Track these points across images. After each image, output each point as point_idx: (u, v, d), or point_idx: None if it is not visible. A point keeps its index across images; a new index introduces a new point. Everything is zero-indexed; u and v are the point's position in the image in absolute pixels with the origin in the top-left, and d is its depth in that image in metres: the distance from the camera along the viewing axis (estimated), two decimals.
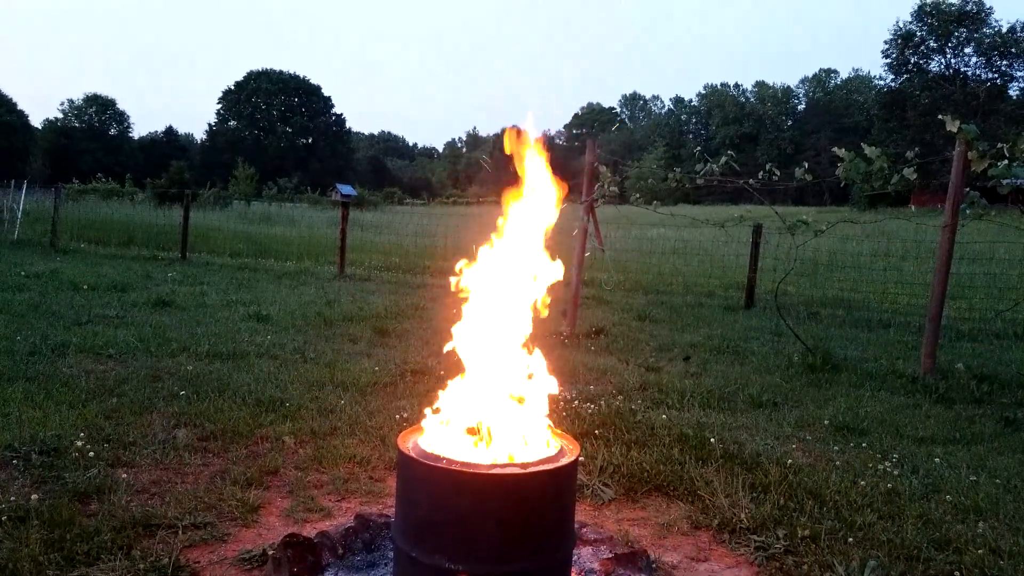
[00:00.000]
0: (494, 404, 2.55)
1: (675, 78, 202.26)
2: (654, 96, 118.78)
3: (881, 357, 6.99)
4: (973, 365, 6.54)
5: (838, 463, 3.88)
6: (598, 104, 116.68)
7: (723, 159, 6.61)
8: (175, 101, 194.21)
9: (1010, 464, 4.00)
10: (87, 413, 3.97)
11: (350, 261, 12.55)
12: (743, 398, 5.18)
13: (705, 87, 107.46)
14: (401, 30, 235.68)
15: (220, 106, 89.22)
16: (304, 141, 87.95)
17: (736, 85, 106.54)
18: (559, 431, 2.59)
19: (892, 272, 12.97)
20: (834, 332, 8.60)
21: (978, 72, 59.21)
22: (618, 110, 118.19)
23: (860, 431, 4.53)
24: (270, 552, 2.57)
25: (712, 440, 4.00)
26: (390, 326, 7.18)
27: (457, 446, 2.48)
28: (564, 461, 2.34)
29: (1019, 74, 59.26)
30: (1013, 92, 59.39)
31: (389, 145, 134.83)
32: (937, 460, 3.97)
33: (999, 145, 5.74)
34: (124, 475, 3.21)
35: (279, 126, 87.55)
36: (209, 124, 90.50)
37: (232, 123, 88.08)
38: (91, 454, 3.37)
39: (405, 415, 4.25)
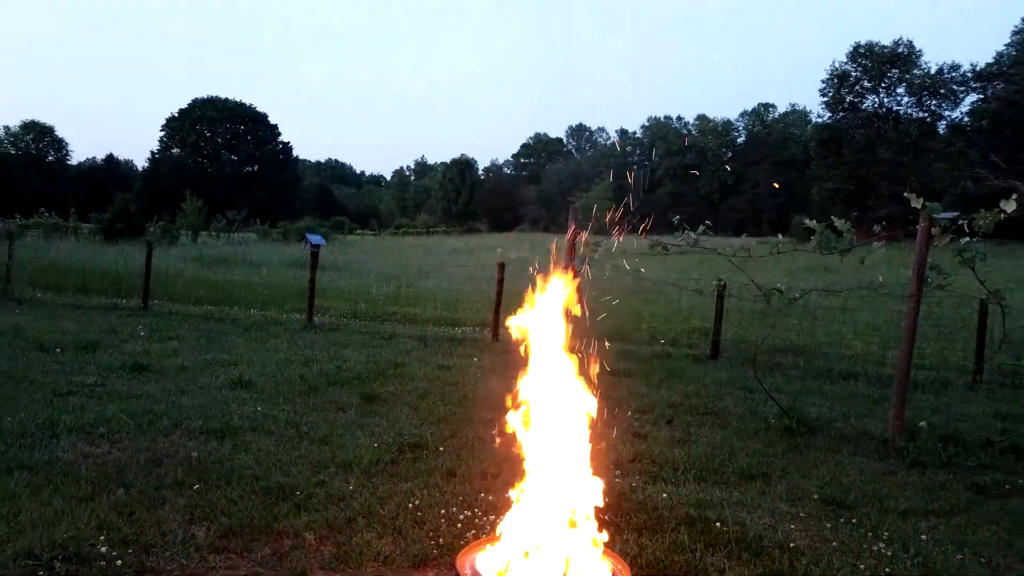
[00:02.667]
0: (546, 523, 2.66)
1: (620, 110, 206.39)
2: (599, 128, 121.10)
3: (850, 415, 7.31)
4: (935, 422, 6.91)
5: (835, 543, 4.08)
6: (545, 134, 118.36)
7: (701, 228, 6.88)
8: (114, 127, 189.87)
9: (989, 539, 4.26)
10: (98, 508, 3.93)
11: (316, 307, 12.49)
12: (733, 469, 5.38)
13: (648, 119, 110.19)
14: (348, 58, 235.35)
15: (163, 133, 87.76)
16: (250, 169, 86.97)
17: (679, 118, 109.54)
18: (608, 551, 2.72)
19: (847, 318, 13.49)
20: (800, 385, 8.92)
21: (909, 111, 62.08)
22: (564, 140, 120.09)
23: (847, 505, 4.76)
24: None
25: (717, 524, 4.17)
26: (375, 390, 7.21)
27: (512, 570, 2.59)
28: None
29: (947, 113, 62.33)
30: (942, 130, 62.36)
31: (336, 173, 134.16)
32: (924, 537, 4.21)
33: (960, 222, 6.13)
34: None
35: (224, 154, 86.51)
36: (152, 152, 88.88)
37: (176, 151, 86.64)
38: (118, 562, 3.36)
39: (416, 502, 4.31)
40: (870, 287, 6.64)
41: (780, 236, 6.94)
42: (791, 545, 3.97)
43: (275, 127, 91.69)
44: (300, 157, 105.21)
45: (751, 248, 7.06)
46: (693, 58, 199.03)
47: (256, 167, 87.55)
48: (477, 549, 2.72)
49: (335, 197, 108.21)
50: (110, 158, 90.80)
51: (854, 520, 4.47)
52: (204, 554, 3.57)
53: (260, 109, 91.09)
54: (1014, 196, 6.09)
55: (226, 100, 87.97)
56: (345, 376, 7.81)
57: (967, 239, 6.01)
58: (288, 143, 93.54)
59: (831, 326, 13.47)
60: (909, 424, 6.66)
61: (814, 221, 6.79)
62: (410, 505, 4.28)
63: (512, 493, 2.84)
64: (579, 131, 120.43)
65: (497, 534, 2.77)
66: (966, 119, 60.68)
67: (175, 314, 12.15)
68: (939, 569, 3.78)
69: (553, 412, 2.86)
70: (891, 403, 6.71)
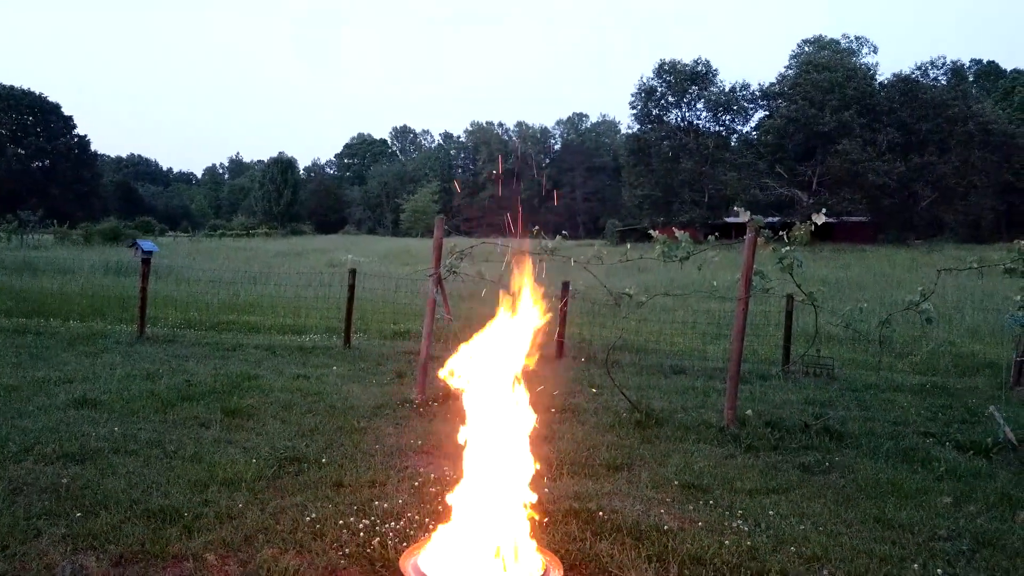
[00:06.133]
0: (481, 520, 2.85)
1: (444, 113, 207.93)
2: (424, 130, 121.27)
3: (688, 407, 8.05)
4: (760, 410, 7.80)
5: (700, 524, 4.58)
6: (369, 135, 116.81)
7: (558, 237, 7.31)
8: None
9: (821, 510, 4.95)
10: None
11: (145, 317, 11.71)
12: (599, 462, 5.81)
13: (472, 124, 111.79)
14: (150, 45, 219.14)
15: None
16: (40, 164, 78.65)
17: (500, 123, 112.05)
18: (540, 547, 2.96)
19: (667, 317, 14.67)
20: (639, 381, 9.63)
21: (707, 125, 67.70)
22: (389, 142, 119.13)
23: (703, 488, 5.31)
24: None
25: (599, 514, 4.55)
26: (235, 404, 6.98)
27: (452, 568, 2.75)
28: None
29: (739, 128, 68.70)
30: (734, 142, 68.59)
31: (140, 169, 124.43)
32: (771, 512, 4.82)
33: (780, 233, 6.99)
34: None
35: (9, 147, 77.59)
36: None
37: None
38: None
39: (312, 515, 4.32)
40: (706, 291, 7.33)
41: (627, 253, 7.49)
42: (665, 528, 4.41)
43: (69, 119, 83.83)
44: (99, 152, 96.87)
45: (602, 257, 7.59)
46: (513, 64, 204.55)
47: (47, 162, 79.40)
48: (418, 550, 2.86)
49: (140, 196, 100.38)
50: None
51: (711, 502, 5.02)
52: None
53: (51, 99, 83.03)
54: (823, 212, 7.04)
55: (11, 88, 79.15)
56: (198, 391, 7.48)
57: (787, 248, 6.87)
58: (85, 136, 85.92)
59: (654, 325, 14.58)
60: (738, 413, 7.47)
61: (657, 232, 7.45)
62: (306, 519, 4.28)
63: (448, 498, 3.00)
64: (403, 133, 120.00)
65: (430, 537, 2.92)
66: (754, 133, 67.16)
67: None
68: (788, 538, 4.37)
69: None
70: (725, 395, 7.49)
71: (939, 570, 3.98)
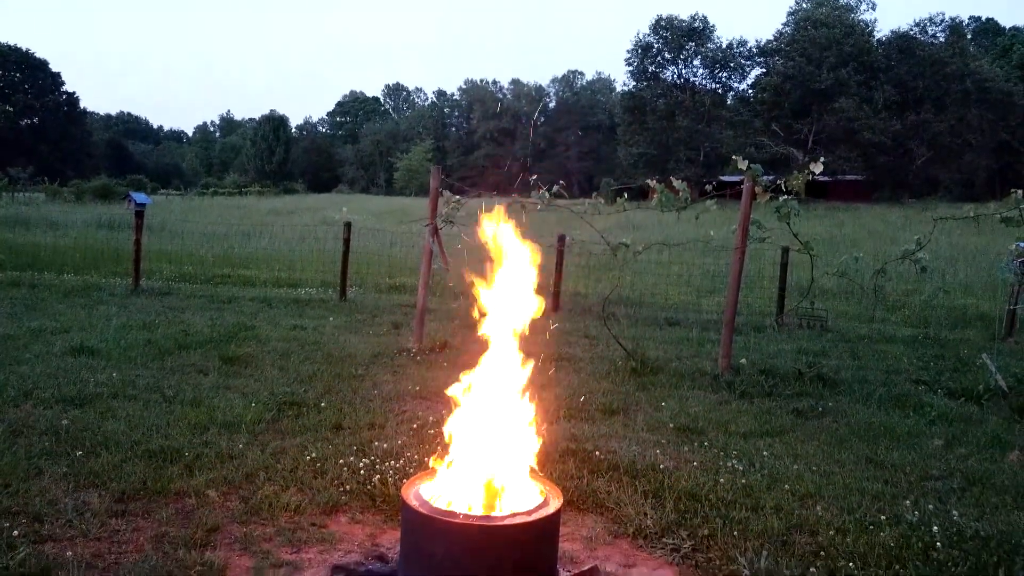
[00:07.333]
0: (483, 452, 2.87)
1: (437, 71, 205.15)
2: (417, 88, 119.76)
3: (682, 356, 8.11)
4: (754, 359, 7.86)
5: (695, 463, 4.65)
6: (361, 93, 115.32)
7: (554, 187, 7.28)
8: None
9: (814, 452, 5.02)
10: None
11: (140, 271, 11.68)
12: (596, 406, 5.86)
13: (466, 82, 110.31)
14: (141, 4, 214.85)
15: None
16: (29, 122, 77.55)
17: (494, 81, 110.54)
18: (537, 475, 2.99)
19: (662, 271, 14.70)
20: (635, 332, 9.67)
21: (704, 82, 66.94)
22: (381, 100, 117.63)
23: (698, 431, 5.38)
24: None
25: (596, 453, 4.60)
26: (232, 352, 6.99)
27: (454, 496, 2.79)
28: (555, 504, 2.76)
29: (735, 85, 67.93)
30: (731, 100, 67.91)
31: (130, 127, 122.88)
32: (765, 454, 4.89)
33: (778, 182, 6.96)
34: (69, 553, 3.08)
35: None
36: None
37: None
38: (14, 532, 3.18)
39: (312, 455, 4.36)
40: (703, 240, 7.34)
41: (625, 199, 7.48)
42: (661, 466, 4.47)
43: (57, 75, 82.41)
44: (88, 110, 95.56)
45: (599, 207, 7.56)
46: (507, 19, 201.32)
47: (35, 119, 78.32)
48: (419, 481, 2.89)
49: (131, 154, 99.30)
50: None
51: (706, 443, 5.09)
52: (103, 519, 3.44)
53: (38, 55, 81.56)
54: (821, 160, 7.01)
55: None
56: (195, 340, 7.49)
57: (784, 197, 6.84)
58: (74, 93, 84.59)
59: (649, 279, 14.61)
60: (733, 361, 7.52)
61: (654, 181, 7.41)
62: (307, 458, 4.32)
63: (445, 432, 3.02)
64: (396, 91, 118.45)
65: (432, 471, 2.95)
66: (750, 91, 66.44)
67: None
68: (782, 477, 4.43)
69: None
70: (719, 345, 7.54)
71: (930, 506, 4.05)
